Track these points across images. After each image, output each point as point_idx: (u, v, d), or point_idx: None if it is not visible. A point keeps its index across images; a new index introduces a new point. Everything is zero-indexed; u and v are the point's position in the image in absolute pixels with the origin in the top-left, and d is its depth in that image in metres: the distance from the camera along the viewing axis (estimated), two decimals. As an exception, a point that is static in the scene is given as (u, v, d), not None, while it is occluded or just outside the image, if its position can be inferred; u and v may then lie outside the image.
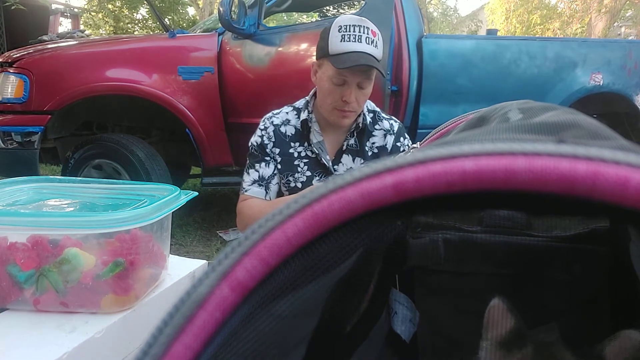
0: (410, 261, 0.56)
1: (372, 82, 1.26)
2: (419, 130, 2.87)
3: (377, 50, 1.22)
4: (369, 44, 1.20)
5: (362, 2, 2.82)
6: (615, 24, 13.04)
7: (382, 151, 1.37)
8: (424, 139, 0.75)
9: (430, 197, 0.19)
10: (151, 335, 0.18)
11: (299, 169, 1.35)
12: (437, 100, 2.87)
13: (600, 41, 4.77)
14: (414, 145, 0.84)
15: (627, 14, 14.34)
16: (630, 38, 13.19)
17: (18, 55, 2.60)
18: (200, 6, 11.35)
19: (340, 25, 1.21)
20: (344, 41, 1.19)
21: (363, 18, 1.24)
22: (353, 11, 3.39)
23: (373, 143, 1.37)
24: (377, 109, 1.41)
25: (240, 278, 0.19)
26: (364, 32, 1.20)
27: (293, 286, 0.21)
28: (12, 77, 2.47)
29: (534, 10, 15.53)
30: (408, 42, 2.83)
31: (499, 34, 3.77)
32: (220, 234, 2.96)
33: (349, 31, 1.19)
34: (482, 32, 17.90)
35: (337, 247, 0.22)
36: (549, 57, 2.98)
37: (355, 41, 1.19)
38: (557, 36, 13.38)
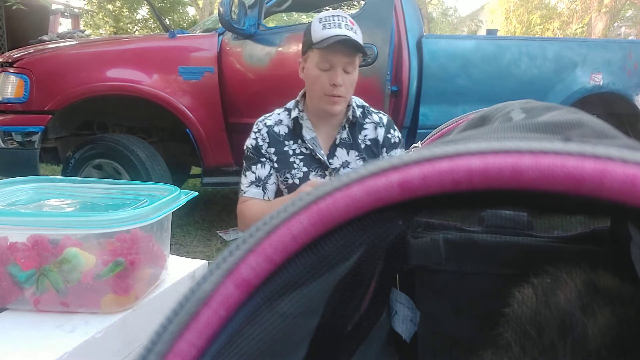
0: (411, 261, 0.56)
1: (357, 67, 1.33)
2: (419, 130, 2.86)
3: (356, 35, 1.29)
4: (348, 29, 1.27)
5: (362, 2, 2.82)
6: (615, 24, 13.04)
7: (374, 143, 1.41)
8: (424, 140, 0.75)
9: (435, 196, 0.19)
10: (155, 333, 0.18)
11: (295, 166, 1.39)
12: (437, 101, 2.87)
13: (600, 41, 4.76)
14: (415, 144, 0.84)
15: (627, 14, 14.33)
16: (630, 38, 13.18)
17: (18, 55, 2.59)
18: (200, 6, 11.36)
19: (320, 17, 1.30)
20: (325, 28, 1.27)
21: (340, 11, 1.30)
22: (353, 11, 3.38)
23: (365, 135, 1.41)
24: (366, 104, 1.47)
25: (245, 275, 0.19)
26: (342, 20, 1.28)
27: (298, 284, 0.21)
28: (13, 77, 2.47)
29: (534, 10, 15.52)
30: (408, 42, 2.83)
31: (499, 34, 3.77)
32: (220, 234, 2.96)
33: (329, 20, 1.28)
34: (482, 32, 17.90)
35: (341, 245, 0.21)
36: (548, 58, 2.98)
37: (335, 27, 1.27)
38: (557, 36, 13.37)
